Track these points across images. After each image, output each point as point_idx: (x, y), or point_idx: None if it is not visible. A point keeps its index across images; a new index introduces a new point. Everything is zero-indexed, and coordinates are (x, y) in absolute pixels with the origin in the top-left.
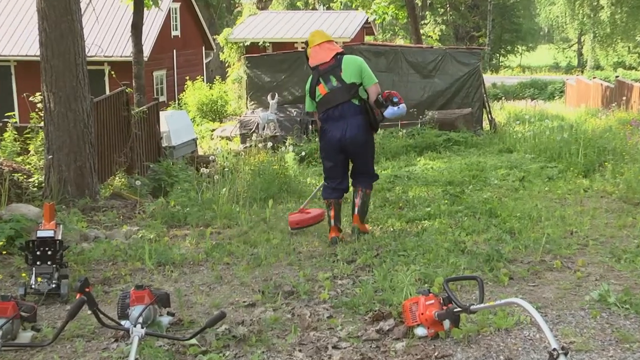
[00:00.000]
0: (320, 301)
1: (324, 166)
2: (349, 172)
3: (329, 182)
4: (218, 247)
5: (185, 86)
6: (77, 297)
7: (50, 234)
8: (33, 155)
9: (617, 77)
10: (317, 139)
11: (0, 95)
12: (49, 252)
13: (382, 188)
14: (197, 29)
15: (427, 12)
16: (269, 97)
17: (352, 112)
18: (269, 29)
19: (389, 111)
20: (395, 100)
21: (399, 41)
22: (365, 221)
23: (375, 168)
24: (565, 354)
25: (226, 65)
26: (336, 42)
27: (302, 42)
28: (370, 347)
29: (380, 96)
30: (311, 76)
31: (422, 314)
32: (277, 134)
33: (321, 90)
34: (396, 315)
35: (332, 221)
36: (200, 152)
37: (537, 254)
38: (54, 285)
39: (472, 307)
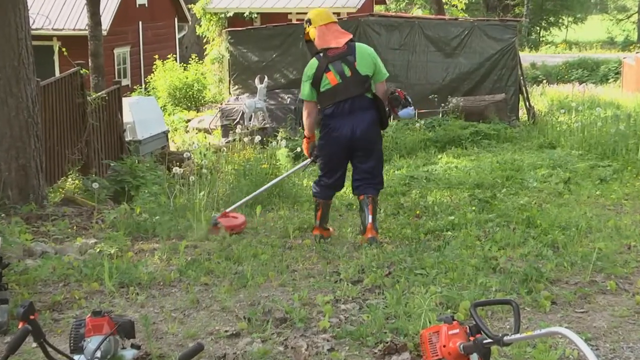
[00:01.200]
0: (319, 330)
1: (323, 163)
2: (348, 174)
3: (323, 181)
4: (194, 264)
5: (154, 67)
6: (20, 326)
7: None
8: None
9: None
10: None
11: None
12: None
13: (395, 192)
14: None
15: None
16: (256, 81)
17: (364, 107)
18: None
19: (406, 111)
20: (410, 100)
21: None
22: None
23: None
24: None
25: (204, 41)
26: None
27: (298, 14)
28: None
29: (397, 94)
30: (315, 60)
31: (444, 346)
32: (267, 125)
33: (331, 79)
34: (412, 348)
35: (317, 222)
36: (173, 148)
37: (586, 273)
38: None
39: (505, 338)
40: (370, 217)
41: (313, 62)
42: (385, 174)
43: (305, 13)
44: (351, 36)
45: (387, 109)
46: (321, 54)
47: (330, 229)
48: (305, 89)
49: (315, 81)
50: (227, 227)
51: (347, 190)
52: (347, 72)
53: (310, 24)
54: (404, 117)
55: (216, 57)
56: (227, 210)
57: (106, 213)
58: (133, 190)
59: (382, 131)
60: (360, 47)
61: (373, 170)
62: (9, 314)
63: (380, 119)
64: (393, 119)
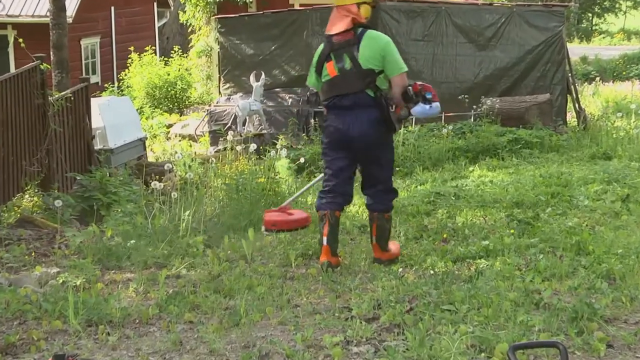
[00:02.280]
0: None
1: (325, 163)
2: (354, 182)
3: (326, 185)
4: (176, 297)
5: (129, 61)
6: None
7: None
8: None
9: None
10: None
11: None
12: None
13: (418, 211)
14: None
15: None
16: (251, 78)
17: (364, 104)
18: None
19: (418, 109)
20: (429, 96)
21: None
22: (386, 247)
23: (393, 181)
24: None
25: (189, 30)
26: (364, 4)
27: None
28: None
29: (410, 88)
30: (322, 45)
31: None
32: (264, 131)
33: (330, 69)
34: None
35: (324, 240)
36: (151, 158)
37: None
38: None
39: None
40: (374, 237)
41: (320, 47)
42: (406, 189)
43: None
44: (349, 19)
45: (403, 108)
46: (327, 39)
47: (339, 258)
48: (312, 76)
49: (318, 69)
50: (272, 223)
51: (359, 209)
52: (348, 65)
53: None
54: (418, 116)
55: (203, 49)
56: (285, 204)
57: (71, 236)
58: (103, 209)
59: (390, 135)
60: (370, 35)
61: (376, 176)
62: None
63: (383, 120)
64: (416, 123)
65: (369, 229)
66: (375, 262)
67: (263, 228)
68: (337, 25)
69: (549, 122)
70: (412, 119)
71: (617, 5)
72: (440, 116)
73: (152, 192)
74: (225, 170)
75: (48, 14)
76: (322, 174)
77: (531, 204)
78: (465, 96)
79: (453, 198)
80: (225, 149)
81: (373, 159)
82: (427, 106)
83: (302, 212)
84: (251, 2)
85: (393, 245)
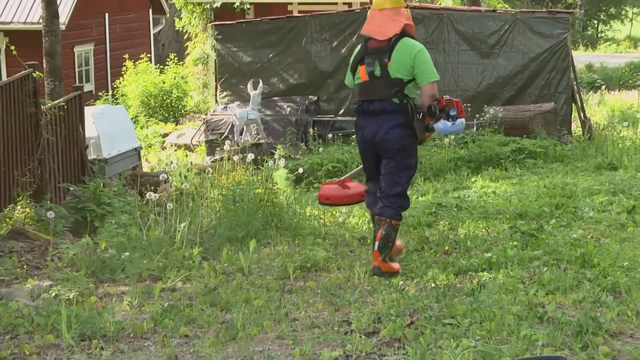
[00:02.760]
0: None
1: (363, 165)
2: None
3: (367, 185)
4: (172, 311)
5: (124, 69)
6: None
7: None
8: None
9: None
10: (320, 149)
11: None
12: None
13: (419, 223)
14: None
15: None
16: (248, 86)
17: (389, 111)
18: None
19: (440, 125)
20: (453, 113)
21: (446, 2)
22: (387, 258)
23: (407, 189)
24: None
25: (185, 37)
26: (407, 9)
27: (300, 4)
28: None
29: (435, 103)
30: (359, 47)
31: None
32: (262, 140)
33: (362, 73)
34: None
35: (376, 245)
36: (146, 168)
37: None
38: None
39: None
40: (376, 242)
41: (357, 48)
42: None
43: (309, 3)
44: (401, 25)
45: (421, 116)
46: (364, 42)
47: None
48: (349, 76)
49: (353, 70)
50: (326, 197)
51: (359, 220)
52: (377, 71)
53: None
54: (440, 132)
55: (200, 57)
56: (344, 177)
57: (64, 248)
58: (97, 220)
59: (413, 142)
60: (403, 44)
61: (391, 180)
62: None
63: (408, 127)
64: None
65: (373, 235)
66: (373, 271)
67: (319, 202)
68: (384, 29)
69: (554, 132)
70: None
71: (623, 12)
72: (458, 126)
73: (147, 203)
74: (222, 181)
75: (41, 20)
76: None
77: (535, 216)
78: (468, 105)
79: (455, 209)
80: (222, 159)
81: (393, 163)
82: (450, 123)
83: (360, 185)
84: (249, 9)
85: (395, 265)
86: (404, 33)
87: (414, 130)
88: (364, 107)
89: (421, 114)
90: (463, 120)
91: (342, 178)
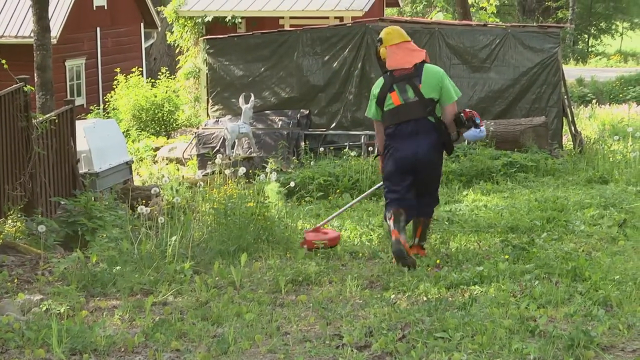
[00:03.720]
0: None
1: (387, 189)
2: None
3: (391, 195)
4: (163, 325)
5: (115, 83)
6: None
7: None
8: None
9: None
10: (311, 163)
11: None
12: None
13: (410, 236)
14: None
15: None
16: (240, 100)
17: (426, 130)
18: None
19: (471, 132)
20: (478, 121)
21: (437, 16)
22: (424, 244)
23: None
24: None
25: (177, 51)
26: (413, 43)
27: (292, 18)
28: None
29: (462, 115)
30: (382, 79)
31: None
32: (254, 154)
33: (394, 99)
34: None
35: (416, 240)
36: (137, 182)
37: None
38: None
39: None
40: (416, 239)
41: (379, 81)
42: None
43: (300, 17)
44: (424, 54)
45: (453, 132)
46: (388, 74)
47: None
48: (372, 107)
49: (380, 100)
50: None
51: (350, 234)
52: (411, 95)
53: (382, 43)
54: (470, 139)
55: (191, 70)
56: (319, 225)
57: (55, 262)
58: (88, 234)
59: (444, 155)
60: (429, 68)
61: (429, 191)
62: None
63: (443, 143)
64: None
65: (411, 232)
66: (413, 259)
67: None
68: (408, 59)
69: (545, 146)
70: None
71: (613, 27)
72: (484, 133)
73: (139, 216)
74: (214, 195)
75: (32, 34)
76: (356, 199)
77: (526, 229)
78: None
79: (447, 223)
80: (213, 172)
81: (430, 177)
82: (478, 130)
83: (333, 231)
84: (240, 23)
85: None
86: (424, 60)
87: (449, 146)
88: (400, 129)
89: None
90: (484, 127)
91: (318, 225)
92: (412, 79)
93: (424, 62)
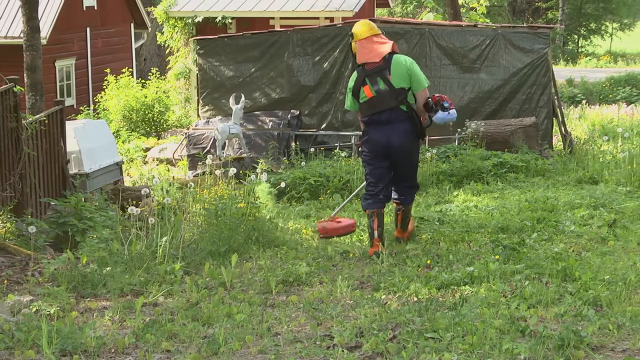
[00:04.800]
0: None
1: (366, 171)
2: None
3: (370, 190)
4: (153, 325)
5: (105, 83)
6: None
7: None
8: None
9: None
10: (302, 163)
11: None
12: None
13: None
14: None
15: None
16: (230, 101)
17: (399, 118)
18: None
19: (439, 116)
20: (446, 105)
21: (427, 16)
22: (406, 228)
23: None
24: None
25: (167, 52)
26: (383, 35)
27: (282, 18)
28: None
29: (430, 99)
30: (355, 74)
31: None
32: (245, 155)
33: (367, 92)
34: None
35: (375, 233)
36: (128, 183)
37: (636, 338)
38: None
39: None
40: (399, 224)
41: (354, 75)
42: (389, 214)
43: (291, 18)
44: (390, 45)
45: (424, 117)
46: (360, 67)
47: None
48: (348, 100)
49: (355, 93)
50: (325, 230)
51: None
52: (382, 86)
53: (353, 38)
54: (439, 122)
55: (182, 71)
56: (333, 214)
57: (45, 263)
58: (78, 235)
59: (419, 141)
60: (396, 59)
61: (406, 176)
62: None
63: (415, 130)
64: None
65: (393, 218)
66: (396, 240)
67: (319, 235)
68: (376, 52)
69: (535, 146)
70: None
71: (603, 28)
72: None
73: (129, 217)
74: (204, 195)
75: (22, 35)
76: (364, 183)
77: (516, 229)
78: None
79: (437, 223)
80: (204, 173)
81: (406, 162)
82: (446, 113)
83: (348, 219)
84: (231, 24)
85: (411, 225)
86: (393, 51)
87: (422, 132)
88: (374, 118)
89: (420, 117)
90: (454, 110)
91: (332, 215)
92: (382, 71)
93: (392, 53)
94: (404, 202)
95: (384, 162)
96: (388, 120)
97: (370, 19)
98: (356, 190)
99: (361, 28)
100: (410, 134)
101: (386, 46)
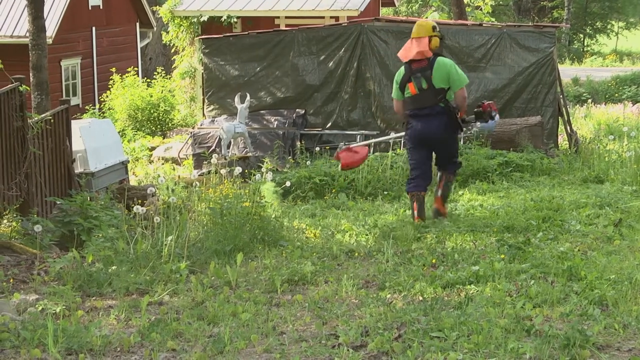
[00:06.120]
0: None
1: (409, 158)
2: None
3: (412, 173)
4: (159, 325)
5: (111, 82)
6: None
7: None
8: None
9: None
10: (307, 163)
11: None
12: None
13: (406, 236)
14: None
15: None
16: (236, 100)
17: (438, 113)
18: None
19: (489, 125)
20: (494, 114)
21: (432, 15)
22: (446, 203)
23: (458, 156)
24: None
25: (172, 51)
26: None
27: (287, 17)
28: None
29: (480, 108)
30: (403, 69)
31: None
32: (250, 154)
33: (411, 89)
34: None
35: (415, 213)
36: (133, 182)
37: None
38: None
39: None
40: (439, 190)
41: (401, 70)
42: (395, 213)
43: (296, 17)
44: (426, 48)
45: (463, 112)
46: (407, 64)
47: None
48: (395, 90)
49: (401, 87)
50: (347, 164)
51: (345, 234)
52: (424, 85)
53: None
54: (484, 130)
55: (187, 70)
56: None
57: (51, 262)
58: (84, 234)
59: (457, 132)
60: (439, 61)
61: (447, 157)
62: None
63: (451, 123)
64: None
65: (436, 186)
66: (434, 213)
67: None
68: (413, 53)
69: (540, 145)
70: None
71: (609, 26)
72: (494, 124)
73: (134, 216)
74: (210, 194)
75: (27, 34)
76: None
77: (522, 229)
78: None
79: (443, 222)
80: (209, 172)
81: (444, 148)
82: (493, 122)
83: (362, 147)
84: (236, 23)
85: (446, 209)
86: (436, 54)
87: (457, 125)
88: (416, 112)
89: (457, 111)
90: (498, 116)
91: (349, 145)
92: (425, 72)
93: (437, 55)
94: (446, 169)
95: (423, 150)
96: (428, 114)
97: (375, 18)
98: (371, 140)
99: (420, 27)
100: (446, 126)
101: (420, 47)
